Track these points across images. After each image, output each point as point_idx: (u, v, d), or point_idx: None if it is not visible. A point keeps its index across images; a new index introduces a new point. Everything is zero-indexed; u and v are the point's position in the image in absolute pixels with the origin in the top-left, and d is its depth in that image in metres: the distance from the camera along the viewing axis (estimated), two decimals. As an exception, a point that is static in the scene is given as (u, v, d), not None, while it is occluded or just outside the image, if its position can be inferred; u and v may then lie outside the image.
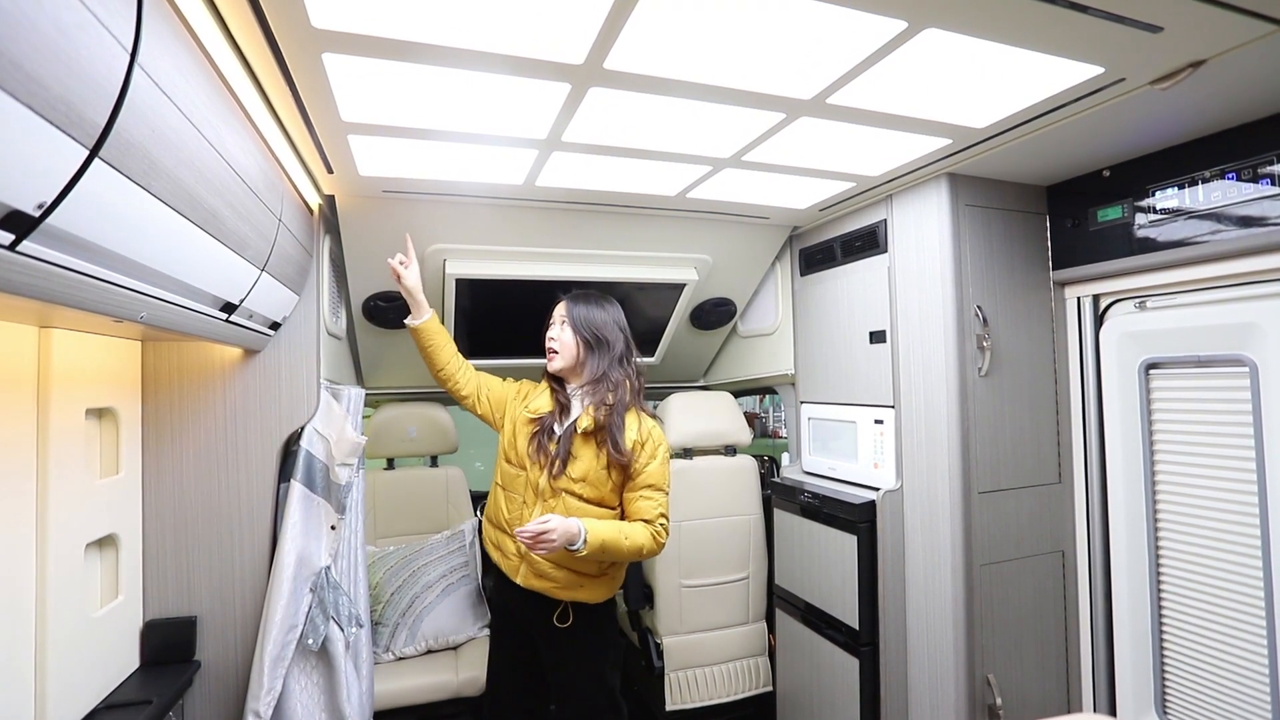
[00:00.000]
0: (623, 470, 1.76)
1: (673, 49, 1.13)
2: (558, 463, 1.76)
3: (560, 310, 1.91)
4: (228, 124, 1.09)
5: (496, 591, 1.94)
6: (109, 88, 0.71)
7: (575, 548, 1.63)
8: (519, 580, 1.78)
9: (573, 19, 1.03)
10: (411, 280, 1.88)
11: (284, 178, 1.53)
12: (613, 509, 1.81)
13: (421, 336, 1.93)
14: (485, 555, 2.01)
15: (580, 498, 1.76)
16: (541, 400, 1.87)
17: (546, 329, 1.93)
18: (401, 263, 1.88)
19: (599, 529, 1.66)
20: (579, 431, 1.77)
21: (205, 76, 1.00)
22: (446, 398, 2.90)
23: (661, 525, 1.76)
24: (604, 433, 1.76)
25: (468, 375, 1.98)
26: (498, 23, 1.03)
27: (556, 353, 1.87)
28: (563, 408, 1.85)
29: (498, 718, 1.94)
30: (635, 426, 1.80)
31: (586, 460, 1.76)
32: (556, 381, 1.91)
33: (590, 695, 1.83)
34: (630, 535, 1.70)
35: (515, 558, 1.79)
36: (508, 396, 1.96)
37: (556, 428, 1.82)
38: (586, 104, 1.32)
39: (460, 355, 1.99)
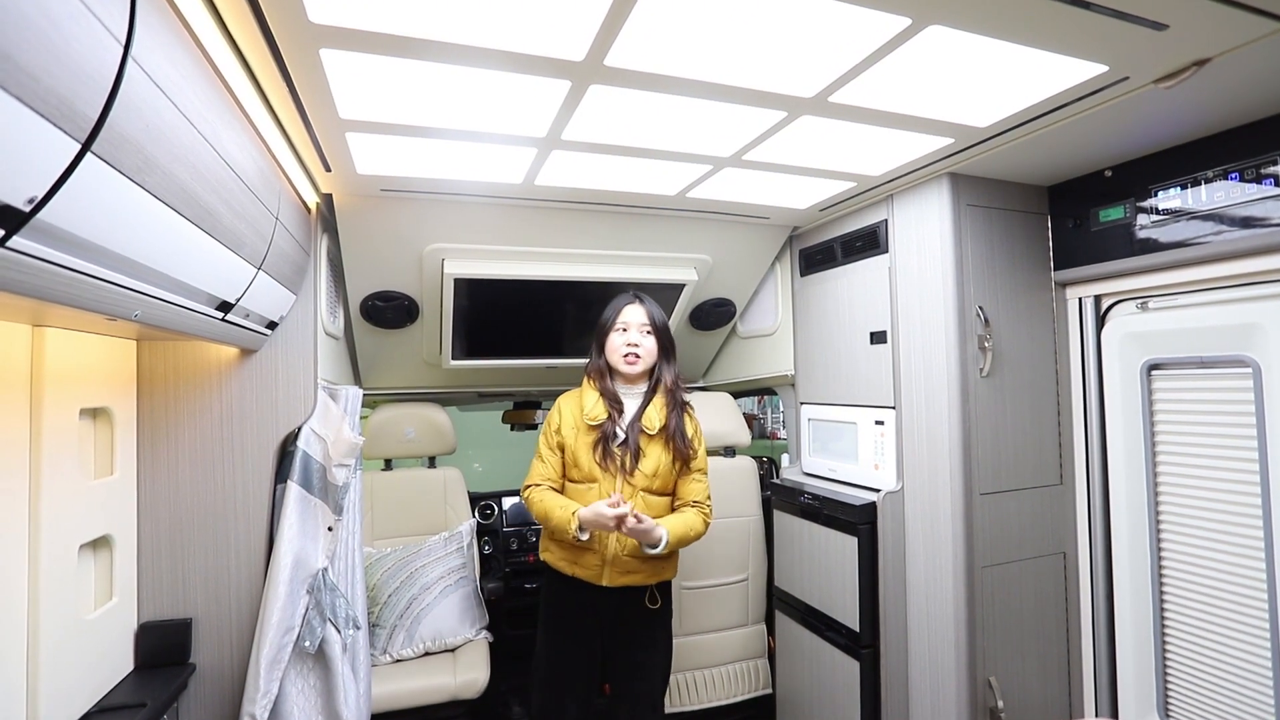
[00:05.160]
0: (684, 461, 1.91)
1: (674, 46, 1.12)
2: (629, 461, 1.84)
3: (640, 316, 1.93)
4: (224, 120, 1.08)
5: (570, 600, 1.90)
6: (101, 81, 0.70)
7: (655, 550, 1.76)
8: (605, 583, 1.84)
9: (573, 15, 1.02)
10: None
11: (281, 175, 1.52)
12: (671, 494, 1.94)
13: None
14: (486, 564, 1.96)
15: (650, 491, 1.87)
16: (593, 407, 1.88)
17: (611, 330, 1.92)
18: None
19: (673, 529, 1.80)
20: (645, 431, 1.87)
21: (201, 71, 0.99)
22: (445, 399, 2.90)
23: (709, 507, 1.93)
24: (670, 431, 1.88)
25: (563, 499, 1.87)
26: (498, 18, 1.02)
27: (639, 357, 1.91)
28: (617, 409, 1.89)
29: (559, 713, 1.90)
30: (688, 419, 1.95)
31: (655, 456, 1.87)
32: (604, 381, 1.93)
33: (661, 673, 1.96)
34: (691, 525, 1.85)
35: (598, 565, 1.84)
36: (558, 452, 1.90)
37: (619, 430, 1.88)
38: (586, 101, 1.31)
39: (556, 493, 1.89)
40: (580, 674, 1.90)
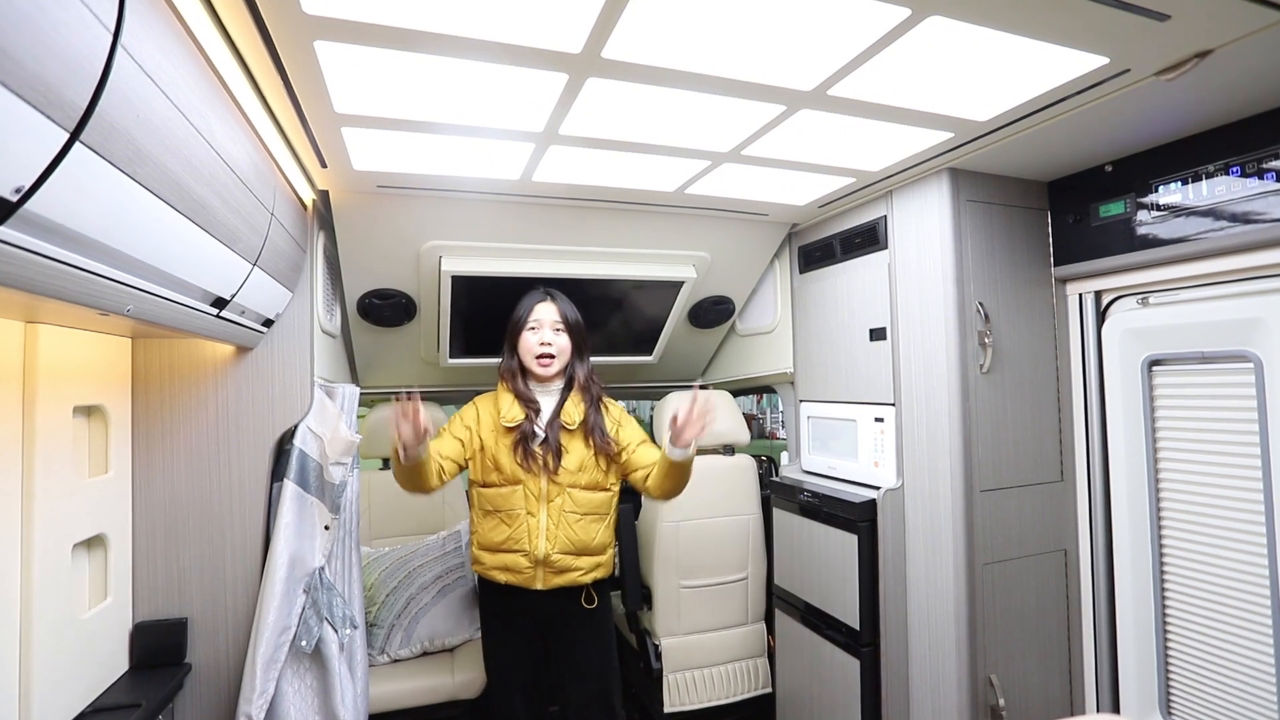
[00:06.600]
0: (609, 456, 1.88)
1: (672, 38, 1.11)
2: (552, 460, 1.81)
3: (552, 314, 1.90)
4: (216, 112, 1.07)
5: (505, 607, 1.89)
6: (90, 69, 0.69)
7: (687, 453, 1.72)
8: (540, 586, 1.81)
9: (570, 5, 1.01)
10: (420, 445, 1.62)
11: (276, 171, 1.51)
12: (607, 490, 1.90)
13: (424, 465, 1.68)
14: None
15: (579, 487, 1.84)
16: (509, 409, 1.85)
17: (522, 329, 1.89)
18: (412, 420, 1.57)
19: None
20: (566, 428, 1.85)
21: (193, 62, 0.97)
22: (443, 398, 2.89)
23: None
24: (589, 427, 1.87)
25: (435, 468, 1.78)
26: (494, 9, 1.01)
27: (553, 358, 1.88)
28: (534, 410, 1.86)
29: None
30: (606, 414, 1.92)
31: (577, 451, 1.85)
32: (516, 383, 1.89)
33: (606, 671, 1.92)
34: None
35: (531, 568, 1.81)
36: (463, 438, 1.86)
37: (538, 429, 1.84)
38: (584, 95, 1.29)
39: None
40: (527, 681, 1.90)
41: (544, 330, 1.88)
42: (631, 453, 1.90)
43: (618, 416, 1.94)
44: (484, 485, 1.85)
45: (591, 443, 1.86)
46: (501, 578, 1.83)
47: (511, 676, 1.91)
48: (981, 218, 1.84)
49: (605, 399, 1.96)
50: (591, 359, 1.99)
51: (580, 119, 1.41)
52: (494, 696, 1.95)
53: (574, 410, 1.87)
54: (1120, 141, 1.63)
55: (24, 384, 1.23)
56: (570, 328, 1.91)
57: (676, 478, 1.79)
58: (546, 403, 1.90)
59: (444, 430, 1.91)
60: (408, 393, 1.56)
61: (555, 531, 1.81)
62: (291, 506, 1.70)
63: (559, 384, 1.94)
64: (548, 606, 1.86)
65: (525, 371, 1.91)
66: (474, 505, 1.91)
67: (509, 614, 1.89)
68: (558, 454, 1.82)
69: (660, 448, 1.85)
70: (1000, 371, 1.84)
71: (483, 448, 1.85)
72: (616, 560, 2.12)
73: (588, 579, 1.86)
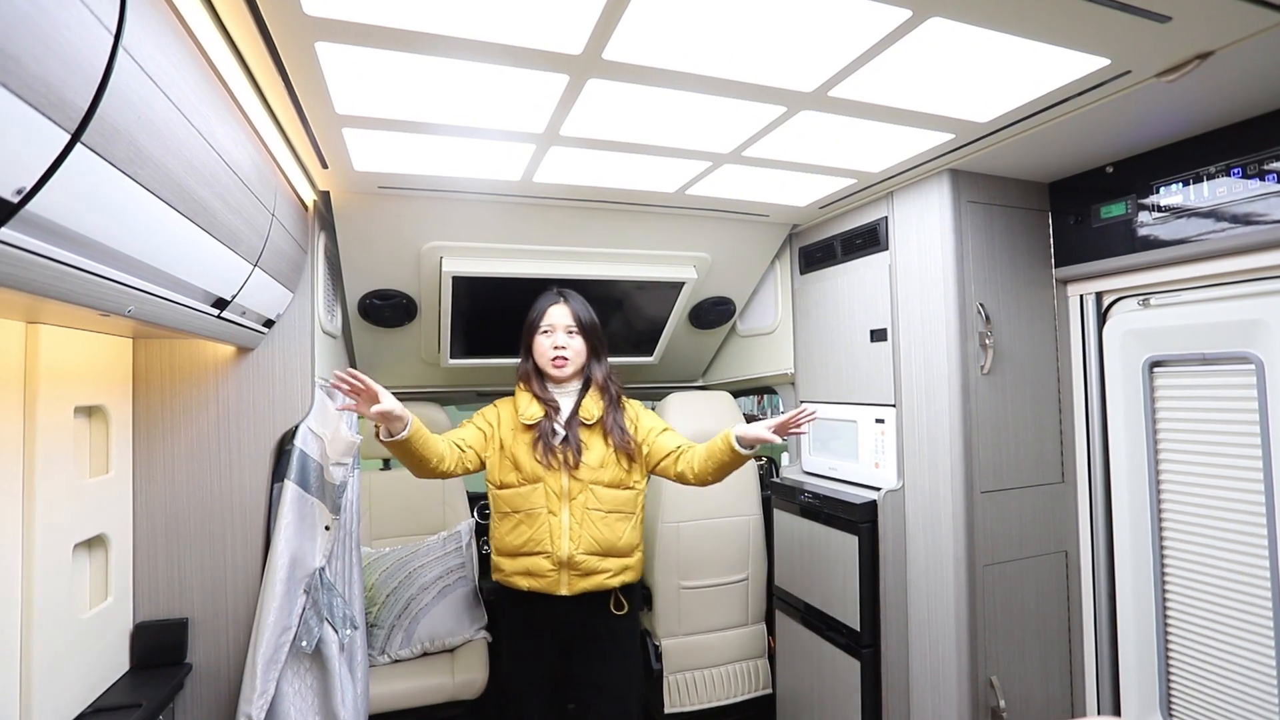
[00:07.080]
0: (629, 455, 1.86)
1: (673, 39, 1.11)
2: (572, 455, 1.79)
3: (564, 317, 1.88)
4: (218, 113, 1.07)
5: (527, 620, 1.84)
6: (91, 70, 0.69)
7: (748, 451, 1.74)
8: (565, 591, 1.77)
9: (571, 6, 1.01)
10: (389, 403, 1.51)
11: (277, 171, 1.51)
12: (632, 488, 1.87)
13: (414, 444, 1.60)
14: (485, 564, 1.94)
15: (602, 484, 1.82)
16: (528, 408, 1.84)
17: (536, 332, 1.89)
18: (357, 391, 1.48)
19: (722, 439, 1.78)
20: (585, 423, 1.84)
21: (194, 63, 0.97)
22: (444, 397, 2.89)
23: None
24: (607, 425, 1.85)
25: (449, 449, 1.75)
26: (495, 10, 1.01)
27: (567, 360, 1.86)
28: (553, 409, 1.85)
29: None
30: (625, 413, 1.91)
31: (597, 448, 1.84)
32: (533, 385, 1.88)
33: (629, 691, 1.88)
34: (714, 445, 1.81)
35: (554, 571, 1.77)
36: (485, 431, 1.86)
37: (557, 427, 1.83)
38: (585, 96, 1.30)
39: (435, 435, 1.72)
40: (544, 697, 1.86)
41: (557, 334, 1.87)
42: (653, 442, 1.89)
43: (634, 414, 1.93)
44: (502, 486, 1.83)
45: (611, 441, 1.84)
46: (523, 584, 1.79)
47: (528, 692, 1.86)
48: (982, 219, 1.83)
49: (625, 399, 1.94)
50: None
51: (581, 120, 1.41)
52: (507, 711, 1.90)
53: (593, 405, 1.86)
54: (1121, 143, 1.63)
55: (25, 384, 1.23)
56: (584, 329, 1.89)
57: (729, 468, 1.78)
58: (565, 403, 1.89)
59: (466, 421, 1.90)
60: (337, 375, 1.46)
61: (579, 531, 1.77)
62: (292, 507, 1.70)
63: (576, 384, 1.92)
64: (573, 617, 1.80)
65: (542, 374, 1.90)
66: (492, 509, 1.89)
67: (531, 627, 1.84)
68: (578, 449, 1.80)
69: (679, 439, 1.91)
70: (1001, 373, 1.84)
71: (501, 446, 1.84)
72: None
73: (615, 582, 1.81)
